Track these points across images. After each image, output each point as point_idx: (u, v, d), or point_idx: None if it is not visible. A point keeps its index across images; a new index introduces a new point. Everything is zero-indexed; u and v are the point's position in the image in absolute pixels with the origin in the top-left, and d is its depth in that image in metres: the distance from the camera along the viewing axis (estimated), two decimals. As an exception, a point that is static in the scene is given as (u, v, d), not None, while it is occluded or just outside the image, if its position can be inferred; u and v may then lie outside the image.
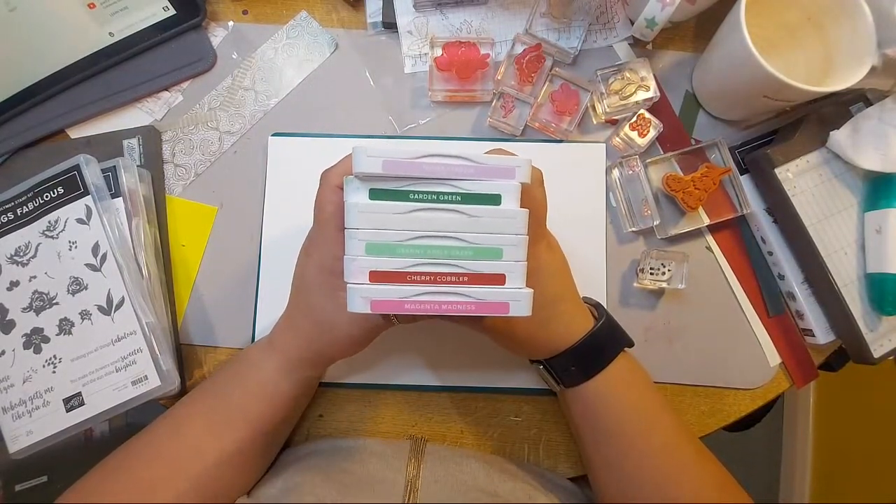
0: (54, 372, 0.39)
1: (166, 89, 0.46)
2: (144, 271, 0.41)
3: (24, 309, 0.40)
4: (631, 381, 0.37)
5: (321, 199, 0.31)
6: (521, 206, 0.27)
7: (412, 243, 0.26)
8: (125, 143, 0.45)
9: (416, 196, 0.26)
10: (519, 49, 0.44)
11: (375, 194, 0.26)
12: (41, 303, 0.40)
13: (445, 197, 0.26)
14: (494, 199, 0.27)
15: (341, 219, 0.27)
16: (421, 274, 0.26)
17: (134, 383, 0.39)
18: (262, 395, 0.36)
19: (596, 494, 0.38)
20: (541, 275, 0.33)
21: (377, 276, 0.26)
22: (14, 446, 0.39)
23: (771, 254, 0.44)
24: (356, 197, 0.26)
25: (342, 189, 0.28)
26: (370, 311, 0.26)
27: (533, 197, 0.31)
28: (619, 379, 0.36)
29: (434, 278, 0.26)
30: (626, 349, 0.37)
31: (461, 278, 0.26)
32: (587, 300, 0.40)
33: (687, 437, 0.36)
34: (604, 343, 0.36)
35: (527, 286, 0.27)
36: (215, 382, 0.37)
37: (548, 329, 0.34)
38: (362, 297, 0.26)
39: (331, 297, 0.32)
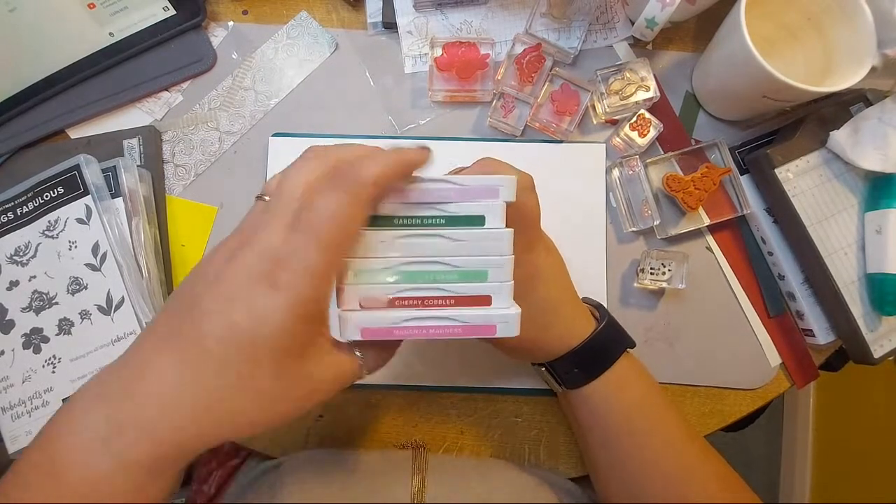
0: (54, 372, 0.39)
1: (166, 89, 0.46)
2: (144, 271, 0.41)
3: (23, 309, 0.40)
4: (634, 381, 0.36)
5: (339, 217, 0.22)
6: (506, 225, 0.27)
7: (398, 269, 0.26)
8: (125, 143, 0.45)
9: (401, 221, 0.26)
10: (519, 49, 0.44)
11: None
12: (41, 303, 0.40)
13: (430, 220, 0.26)
14: (478, 220, 0.26)
15: (351, 244, 0.24)
16: (408, 299, 0.26)
17: (134, 383, 0.39)
18: None
19: (599, 495, 0.38)
20: (540, 279, 0.33)
21: (365, 303, 0.26)
22: (13, 446, 0.39)
23: (771, 254, 0.44)
24: None
25: (371, 208, 0.24)
26: (360, 338, 0.25)
27: (525, 204, 0.30)
28: (622, 380, 0.36)
29: (421, 302, 0.26)
30: (628, 350, 0.37)
31: (447, 301, 0.26)
32: (588, 301, 0.39)
33: (691, 436, 0.36)
34: (606, 345, 0.36)
35: (526, 292, 0.27)
36: None
37: (549, 333, 0.34)
38: (352, 324, 0.25)
39: (304, 357, 0.23)
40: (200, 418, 0.21)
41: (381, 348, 0.28)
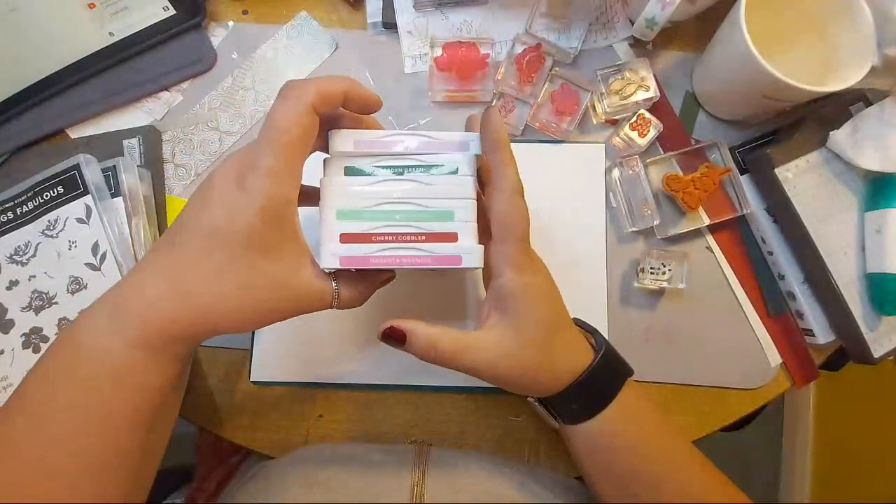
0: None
1: (166, 89, 0.46)
2: (144, 271, 0.41)
3: (23, 308, 0.40)
4: (636, 412, 0.34)
5: (286, 119, 0.26)
6: (486, 228, 0.31)
7: (376, 209, 0.30)
8: (125, 143, 0.45)
9: (384, 170, 0.31)
10: (519, 49, 0.44)
11: (349, 171, 0.31)
12: (41, 302, 0.40)
13: (409, 169, 0.31)
14: (453, 169, 0.31)
15: (308, 147, 0.27)
16: (384, 234, 0.30)
17: (134, 383, 0.39)
18: (113, 407, 0.24)
19: None
20: (528, 302, 0.31)
21: (346, 238, 0.30)
22: (14, 446, 0.39)
23: (771, 254, 0.44)
24: (333, 173, 0.31)
25: (316, 112, 0.27)
26: (339, 266, 0.29)
27: (511, 209, 0.30)
28: (624, 412, 0.33)
29: (395, 237, 0.30)
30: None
31: (419, 237, 0.30)
32: (580, 324, 0.37)
33: (701, 464, 0.34)
34: (606, 378, 0.33)
35: (514, 315, 0.31)
36: (33, 399, 0.25)
37: (541, 365, 0.32)
38: (332, 254, 0.29)
39: (273, 253, 0.26)
40: (182, 302, 0.25)
41: (356, 286, 0.31)
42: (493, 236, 0.31)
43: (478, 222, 0.31)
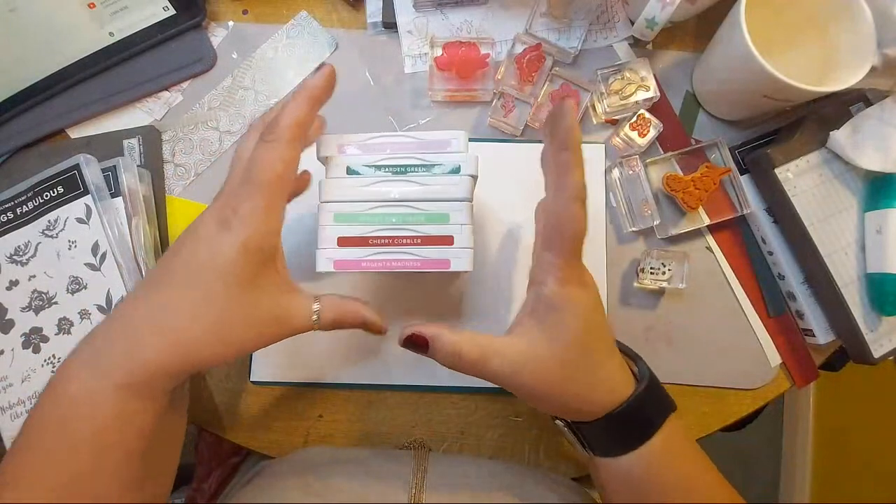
0: (53, 371, 0.39)
1: (166, 89, 0.46)
2: (144, 271, 0.41)
3: (23, 308, 0.40)
4: (678, 454, 0.31)
5: (269, 157, 0.26)
6: (540, 237, 0.30)
7: (373, 212, 0.30)
8: (125, 143, 0.45)
9: (383, 169, 0.31)
10: (519, 49, 0.44)
11: (350, 171, 0.31)
12: (40, 302, 0.40)
13: (411, 169, 0.31)
14: (454, 168, 0.31)
15: (290, 179, 0.27)
16: (380, 238, 0.30)
17: (133, 383, 0.39)
18: (106, 447, 0.25)
19: None
20: (569, 317, 0.28)
21: (343, 242, 0.30)
22: (13, 446, 0.39)
23: (771, 254, 0.44)
24: (334, 174, 0.31)
25: (298, 145, 0.28)
26: (333, 270, 0.30)
27: (565, 213, 0.27)
28: (661, 452, 0.30)
29: (391, 241, 0.30)
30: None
31: (415, 241, 0.30)
32: (622, 348, 0.34)
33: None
34: (648, 411, 0.30)
35: (552, 329, 0.28)
36: (28, 453, 0.26)
37: (577, 387, 0.29)
38: (328, 258, 0.30)
39: (253, 283, 0.26)
40: (166, 340, 0.25)
41: (338, 309, 0.30)
42: (541, 239, 0.29)
43: (538, 224, 0.30)
